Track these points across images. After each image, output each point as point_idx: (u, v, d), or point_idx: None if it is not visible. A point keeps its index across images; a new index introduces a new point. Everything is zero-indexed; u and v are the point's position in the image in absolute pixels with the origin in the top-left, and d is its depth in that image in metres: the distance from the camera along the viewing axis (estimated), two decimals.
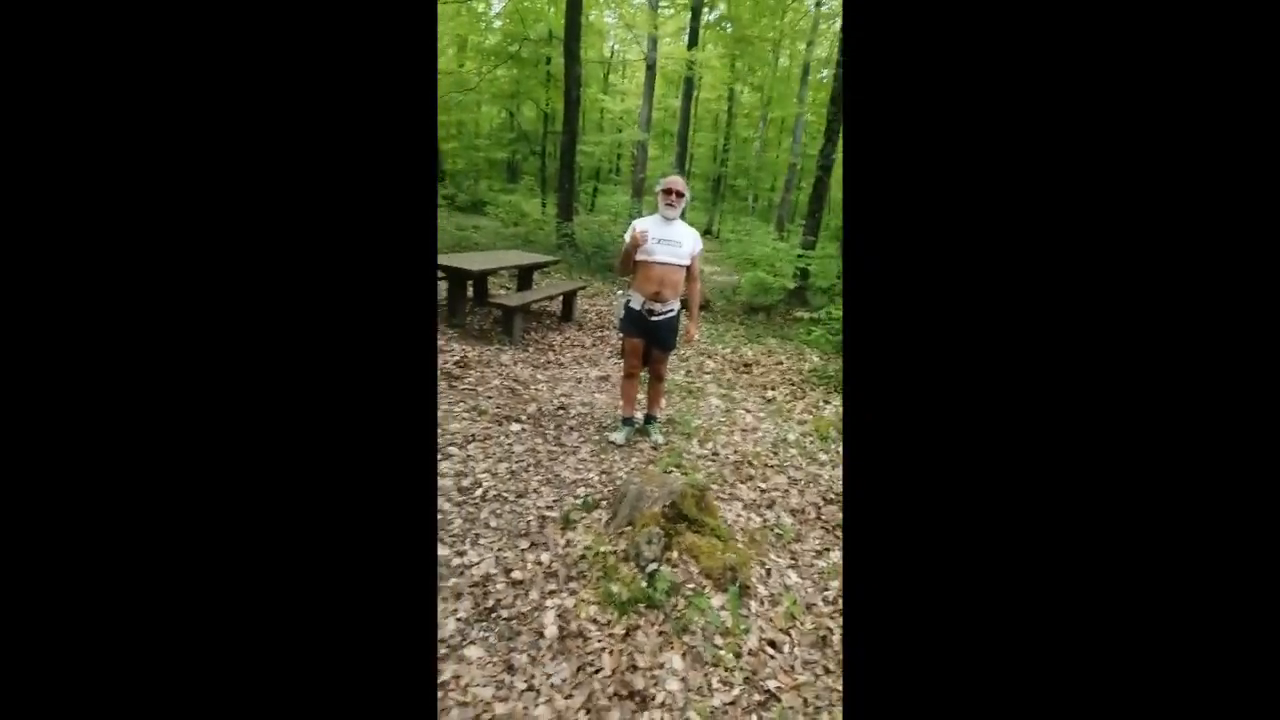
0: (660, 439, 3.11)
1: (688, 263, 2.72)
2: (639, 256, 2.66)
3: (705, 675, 1.65)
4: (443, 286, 4.54)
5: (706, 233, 15.64)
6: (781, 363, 4.87)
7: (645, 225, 2.66)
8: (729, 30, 12.08)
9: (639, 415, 3.20)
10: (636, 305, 2.77)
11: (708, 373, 4.48)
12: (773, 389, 4.26)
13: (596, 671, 1.61)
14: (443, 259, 4.49)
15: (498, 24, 12.67)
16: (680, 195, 2.65)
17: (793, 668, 1.73)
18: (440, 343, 4.15)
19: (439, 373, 3.62)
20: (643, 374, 3.09)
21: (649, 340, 2.86)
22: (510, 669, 1.58)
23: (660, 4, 12.17)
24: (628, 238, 2.68)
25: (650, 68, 11.98)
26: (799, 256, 6.87)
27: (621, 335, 2.91)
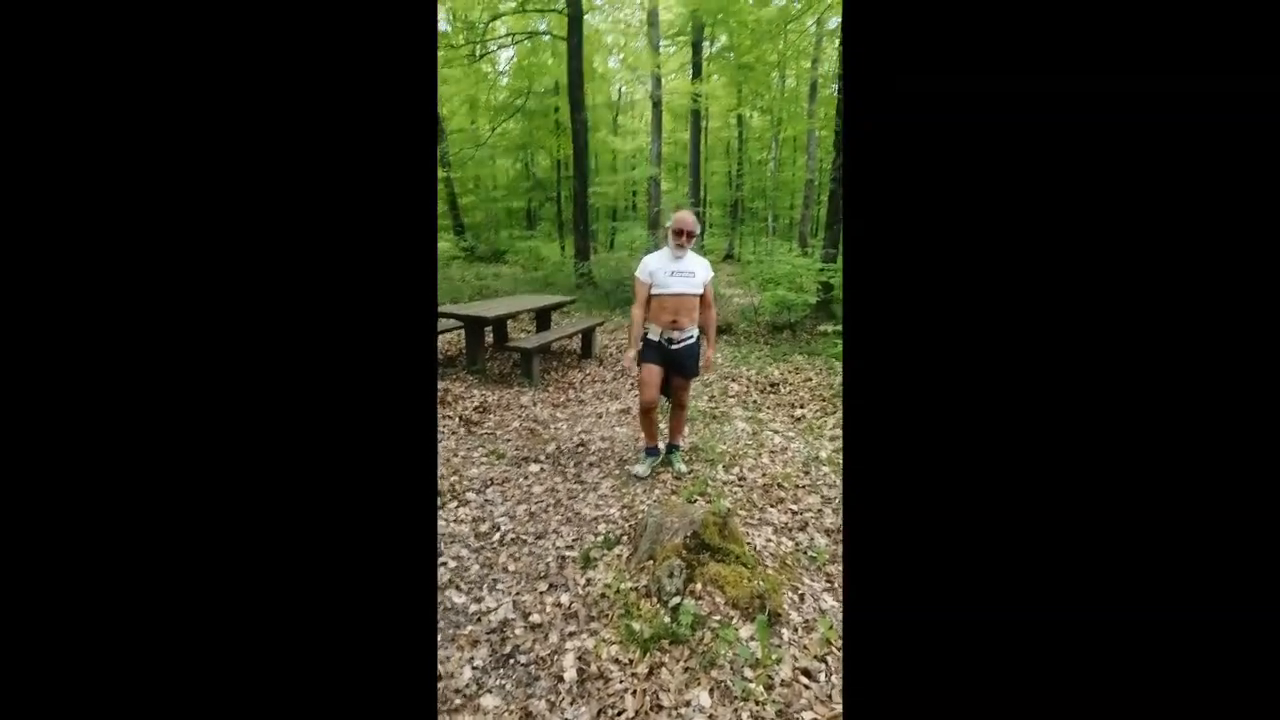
0: (684, 468, 3.05)
1: (700, 291, 2.76)
2: (654, 291, 2.72)
3: (735, 710, 1.57)
4: (461, 335, 4.63)
5: (728, 257, 15.66)
6: (810, 379, 4.76)
7: (656, 263, 2.71)
8: (731, 59, 12.29)
9: (661, 445, 3.16)
10: (655, 336, 2.79)
11: (732, 396, 4.41)
12: (802, 407, 4.16)
13: (619, 714, 1.55)
14: (459, 308, 4.60)
15: (505, 81, 13.24)
16: (691, 236, 2.70)
17: (830, 697, 1.63)
18: (459, 389, 4.23)
19: (458, 420, 3.67)
20: (662, 403, 3.06)
21: (670, 368, 2.84)
22: (528, 716, 1.53)
23: (661, 43, 12.52)
24: (639, 275, 2.74)
25: (656, 105, 12.26)
26: (820, 270, 6.79)
27: (639, 366, 2.89)
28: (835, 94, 8.45)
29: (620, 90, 18.52)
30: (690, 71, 12.46)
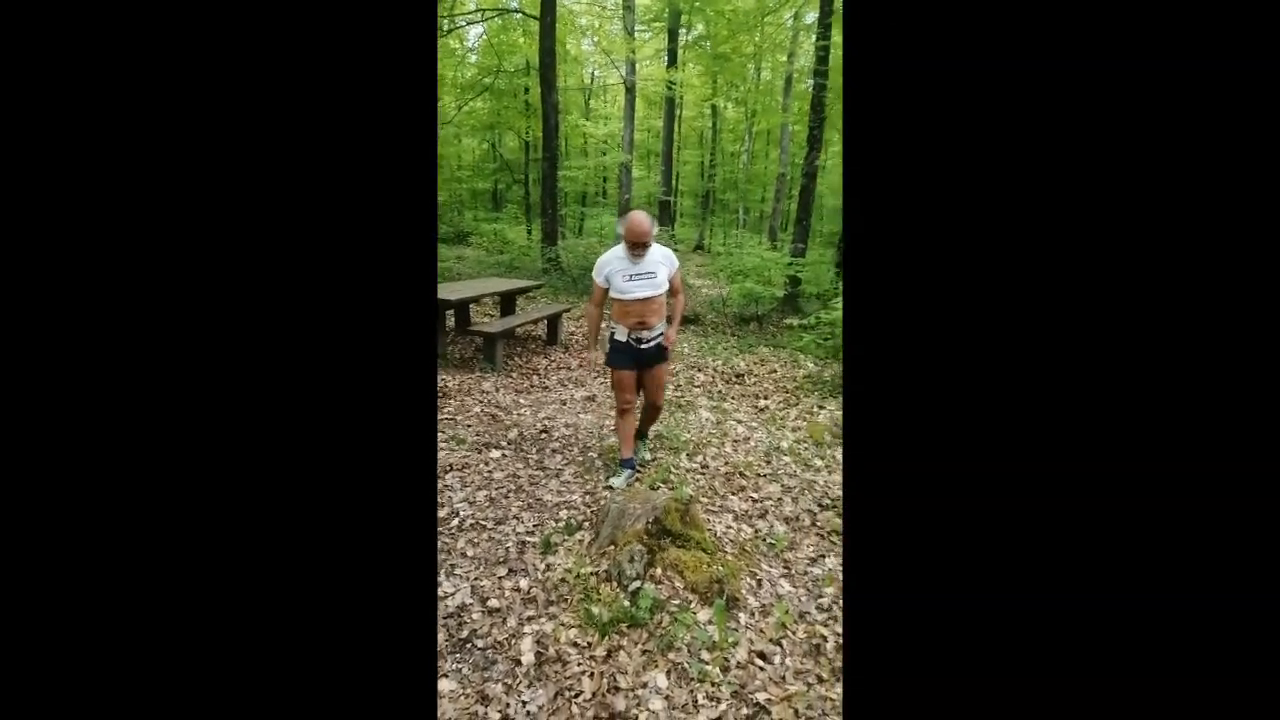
0: (647, 455, 3.02)
1: (665, 289, 2.57)
2: (614, 295, 2.53)
3: (691, 692, 1.59)
4: None
5: (698, 248, 15.71)
6: (775, 371, 4.83)
7: (614, 265, 2.51)
8: (707, 48, 12.25)
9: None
10: (622, 337, 2.62)
11: (698, 386, 4.45)
12: (765, 398, 4.22)
13: (576, 695, 1.55)
14: None
15: (473, 58, 12.91)
16: (647, 246, 2.47)
17: (784, 678, 1.67)
18: None
19: None
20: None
21: (642, 368, 2.69)
22: (484, 699, 1.53)
23: (637, 28, 12.38)
24: (595, 276, 2.56)
25: (630, 91, 12.14)
26: (789, 264, 6.87)
27: (611, 370, 2.71)
28: (809, 89, 8.52)
29: (593, 74, 18.27)
30: (665, 59, 12.36)
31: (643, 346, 2.62)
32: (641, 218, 2.43)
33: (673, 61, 11.91)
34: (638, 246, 2.43)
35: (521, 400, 3.94)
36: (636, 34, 12.26)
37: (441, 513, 2.44)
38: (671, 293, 2.66)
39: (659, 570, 2.01)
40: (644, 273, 2.49)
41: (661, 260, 2.53)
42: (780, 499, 2.72)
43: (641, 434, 2.96)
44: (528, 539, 2.29)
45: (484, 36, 12.00)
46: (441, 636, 1.74)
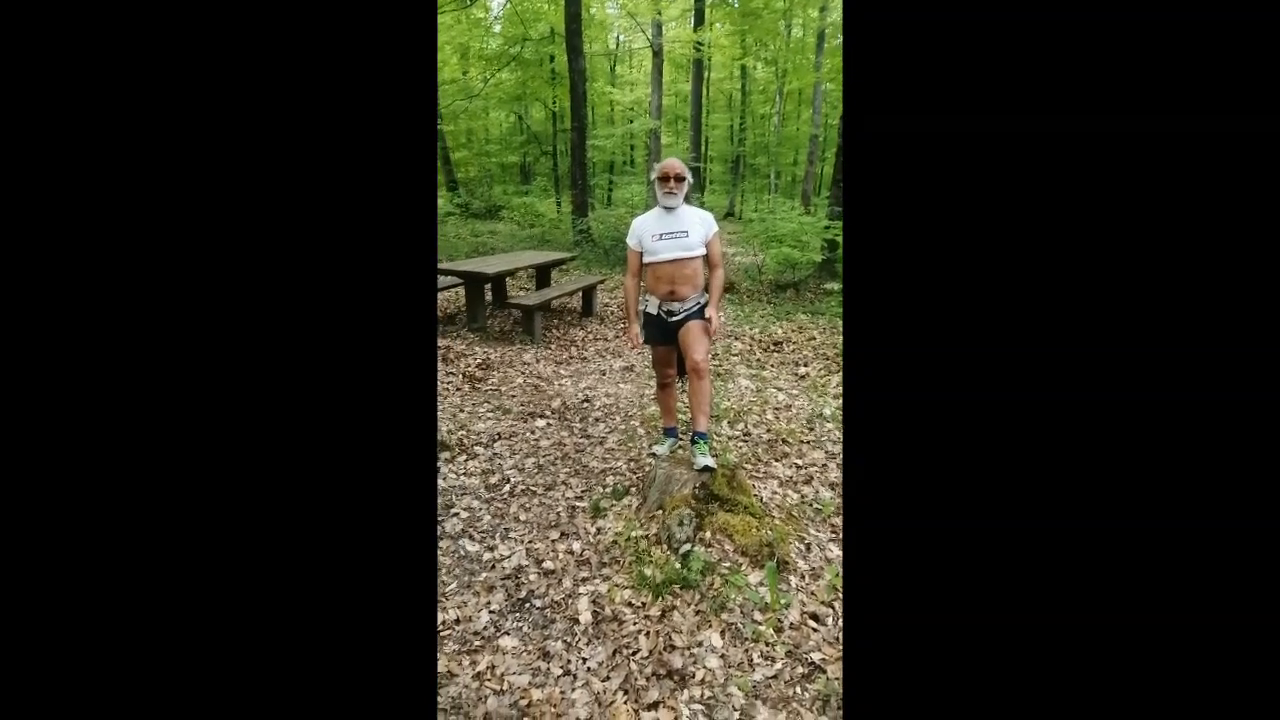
0: (710, 463, 2.24)
1: (700, 252, 2.32)
2: (646, 259, 2.35)
3: (745, 651, 1.62)
4: (461, 292, 4.60)
5: (729, 214, 15.45)
6: (814, 338, 4.76)
7: (644, 225, 2.32)
8: (736, 5, 11.82)
9: (681, 431, 2.83)
10: (653, 310, 2.39)
11: (735, 354, 4.42)
12: (805, 365, 4.17)
13: (634, 653, 1.60)
14: (458, 264, 4.54)
15: (497, 28, 12.75)
16: (680, 180, 2.26)
17: (837, 639, 1.69)
18: (461, 347, 4.22)
19: (461, 376, 3.68)
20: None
21: (675, 341, 2.42)
22: (546, 656, 1.58)
23: None
24: (629, 241, 2.38)
25: (657, 54, 11.85)
26: (825, 228, 6.70)
27: (649, 346, 2.53)
28: (841, 45, 8.16)
29: (619, 38, 17.87)
30: (692, 19, 11.99)
31: (672, 320, 2.36)
32: (673, 158, 2.39)
33: (700, 21, 11.53)
34: (668, 180, 2.24)
35: (562, 371, 3.98)
36: None
37: (493, 479, 2.50)
38: (709, 264, 2.38)
39: (708, 534, 2.03)
40: (674, 231, 2.27)
41: (697, 221, 2.30)
42: (825, 465, 2.71)
43: (698, 434, 2.33)
44: (577, 504, 2.34)
45: (507, 5, 11.81)
46: (500, 597, 1.80)
